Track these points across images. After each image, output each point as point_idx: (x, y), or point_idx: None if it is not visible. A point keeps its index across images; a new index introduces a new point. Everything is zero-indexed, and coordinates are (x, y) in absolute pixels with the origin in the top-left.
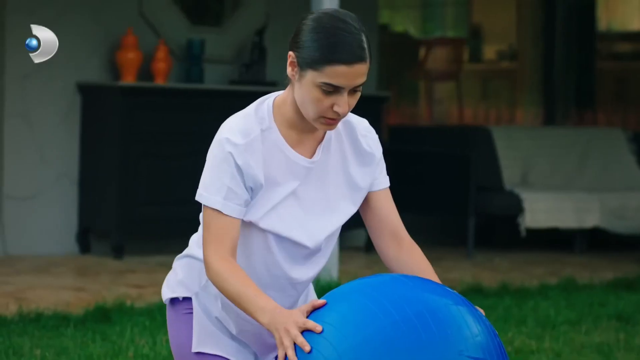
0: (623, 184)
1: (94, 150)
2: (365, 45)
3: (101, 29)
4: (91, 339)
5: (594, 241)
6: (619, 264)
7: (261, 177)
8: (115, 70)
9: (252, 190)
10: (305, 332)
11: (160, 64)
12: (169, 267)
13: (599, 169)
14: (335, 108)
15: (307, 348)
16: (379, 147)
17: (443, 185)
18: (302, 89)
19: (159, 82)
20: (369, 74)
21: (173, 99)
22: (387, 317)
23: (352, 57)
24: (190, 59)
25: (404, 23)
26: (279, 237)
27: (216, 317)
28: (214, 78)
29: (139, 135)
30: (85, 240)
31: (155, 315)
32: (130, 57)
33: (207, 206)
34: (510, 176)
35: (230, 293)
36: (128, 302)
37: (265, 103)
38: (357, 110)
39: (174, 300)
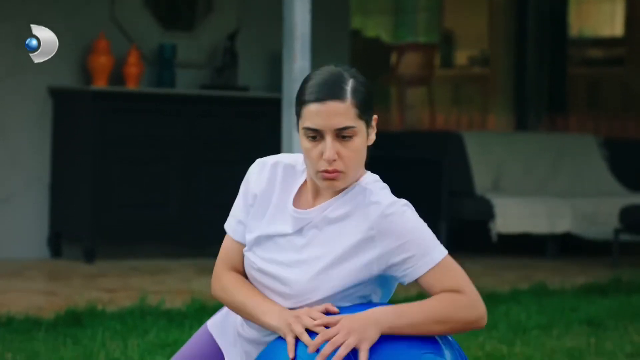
0: (595, 189)
1: (65, 154)
2: (347, 87)
3: (73, 34)
4: (62, 343)
5: (566, 246)
6: (590, 269)
7: (258, 193)
8: (87, 74)
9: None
10: None
11: (132, 69)
12: (140, 270)
13: (571, 175)
14: (324, 156)
15: (312, 348)
16: (396, 236)
17: (415, 191)
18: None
19: (131, 86)
20: None
21: (145, 103)
22: None
23: (322, 95)
24: (162, 63)
25: (376, 28)
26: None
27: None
28: (185, 82)
29: (111, 139)
30: (56, 244)
31: (126, 320)
32: (102, 62)
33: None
34: (481, 181)
35: (235, 303)
36: (99, 306)
37: None
38: None
39: None
